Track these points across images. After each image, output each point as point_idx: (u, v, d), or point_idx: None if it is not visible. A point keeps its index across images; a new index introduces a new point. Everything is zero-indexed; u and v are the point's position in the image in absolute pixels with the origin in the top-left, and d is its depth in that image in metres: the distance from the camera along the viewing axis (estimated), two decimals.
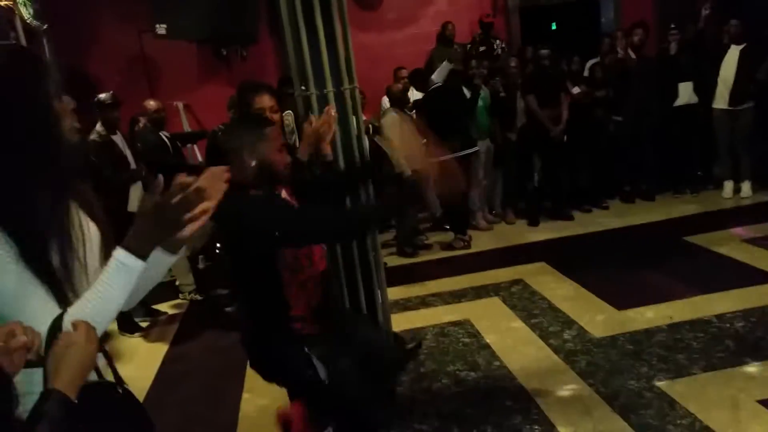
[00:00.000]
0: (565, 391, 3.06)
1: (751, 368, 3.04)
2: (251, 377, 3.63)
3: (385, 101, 5.83)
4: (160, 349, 4.30)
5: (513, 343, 3.66)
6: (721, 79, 5.78)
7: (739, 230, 5.04)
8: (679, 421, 2.69)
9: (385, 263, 3.99)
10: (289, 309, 2.12)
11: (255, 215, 1.97)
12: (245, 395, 3.46)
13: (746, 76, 5.63)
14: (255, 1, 6.15)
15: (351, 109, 2.80)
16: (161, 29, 5.88)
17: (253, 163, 2.05)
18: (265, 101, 2.57)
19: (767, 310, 3.60)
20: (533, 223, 6.01)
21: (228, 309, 4.78)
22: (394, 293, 4.47)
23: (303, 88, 2.74)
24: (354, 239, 2.38)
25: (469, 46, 6.72)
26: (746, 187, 5.99)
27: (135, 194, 4.62)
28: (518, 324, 3.90)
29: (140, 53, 6.74)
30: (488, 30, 6.96)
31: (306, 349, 2.11)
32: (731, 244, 4.76)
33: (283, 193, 2.24)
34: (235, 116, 4.00)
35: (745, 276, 4.14)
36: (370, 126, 5.28)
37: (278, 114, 2.64)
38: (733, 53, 5.70)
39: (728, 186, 6.09)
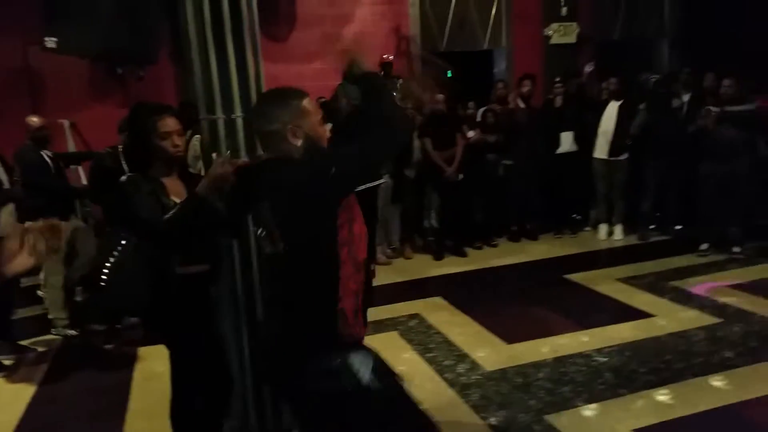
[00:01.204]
0: (460, 425, 3.13)
1: (626, 399, 3.28)
2: (133, 421, 3.40)
3: None
4: (27, 391, 3.88)
5: (409, 377, 3.66)
6: (602, 131, 6.32)
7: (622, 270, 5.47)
8: None
9: None
10: (337, 300, 1.78)
11: (311, 165, 1.75)
12: None
13: (624, 130, 6.20)
14: (155, 21, 5.95)
15: None
16: (51, 42, 5.49)
17: (299, 142, 1.84)
18: (170, 124, 2.41)
19: (640, 344, 3.93)
20: (438, 257, 6.20)
21: (108, 346, 4.45)
22: None
23: (209, 112, 2.69)
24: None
25: None
26: (618, 230, 6.55)
27: (6, 216, 4.26)
28: (415, 358, 3.96)
29: (25, 66, 6.27)
30: (388, 70, 7.19)
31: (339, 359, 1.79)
32: (606, 282, 5.16)
33: None
34: (127, 140, 3.71)
35: (619, 312, 4.50)
36: None
37: (183, 138, 2.52)
38: (613, 108, 6.27)
39: (603, 229, 6.63)
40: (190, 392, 2.53)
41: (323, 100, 6.36)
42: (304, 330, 1.82)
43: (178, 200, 2.40)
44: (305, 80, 6.97)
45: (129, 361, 4.17)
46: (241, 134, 2.70)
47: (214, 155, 2.70)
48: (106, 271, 2.41)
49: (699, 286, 4.93)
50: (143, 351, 4.23)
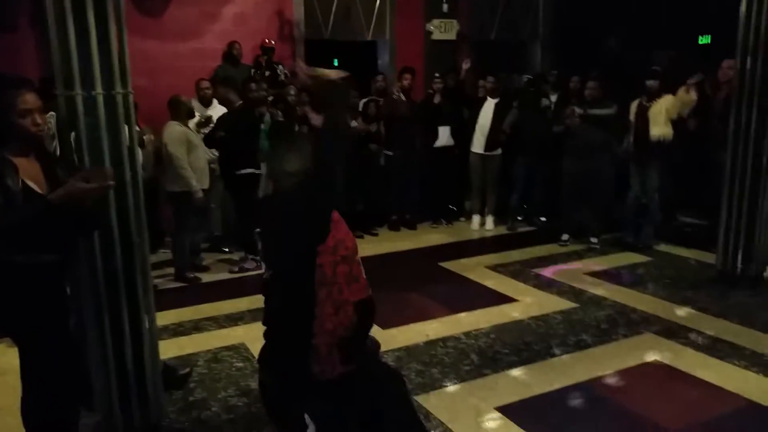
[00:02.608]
0: None
1: (490, 379, 3.49)
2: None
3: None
4: None
5: None
6: (479, 126, 6.60)
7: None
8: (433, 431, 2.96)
9: (156, 285, 3.75)
10: (311, 337, 1.86)
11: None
12: None
13: (499, 126, 6.53)
14: None
15: (123, 116, 2.60)
16: None
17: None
18: (30, 101, 2.21)
19: (504, 327, 4.19)
20: None
21: None
22: (166, 318, 4.21)
23: (67, 87, 2.49)
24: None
25: (253, 70, 6.73)
26: (490, 221, 6.92)
27: None
28: None
29: None
30: (269, 55, 7.06)
31: (301, 409, 1.89)
32: (477, 270, 5.45)
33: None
34: None
35: (487, 297, 4.78)
36: (144, 137, 4.95)
37: (44, 116, 2.32)
38: (489, 105, 6.57)
39: (476, 219, 6.98)
40: (41, 388, 2.37)
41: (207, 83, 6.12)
42: (280, 356, 1.96)
43: (30, 182, 2.22)
44: (181, 59, 6.69)
45: None
46: (101, 113, 2.53)
47: (72, 135, 2.52)
48: None
49: (551, 271, 5.36)
50: None
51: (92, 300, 2.65)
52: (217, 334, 4.16)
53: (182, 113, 5.12)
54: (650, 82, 5.72)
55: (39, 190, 2.24)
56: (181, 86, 5.84)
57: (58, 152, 2.49)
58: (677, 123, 5.67)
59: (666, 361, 3.68)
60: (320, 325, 1.87)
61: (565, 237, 6.21)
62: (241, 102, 5.54)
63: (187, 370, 3.57)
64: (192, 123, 5.24)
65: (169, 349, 3.75)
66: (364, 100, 6.76)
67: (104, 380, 2.74)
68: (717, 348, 3.83)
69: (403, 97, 6.65)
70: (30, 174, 2.24)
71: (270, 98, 6.05)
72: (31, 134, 2.24)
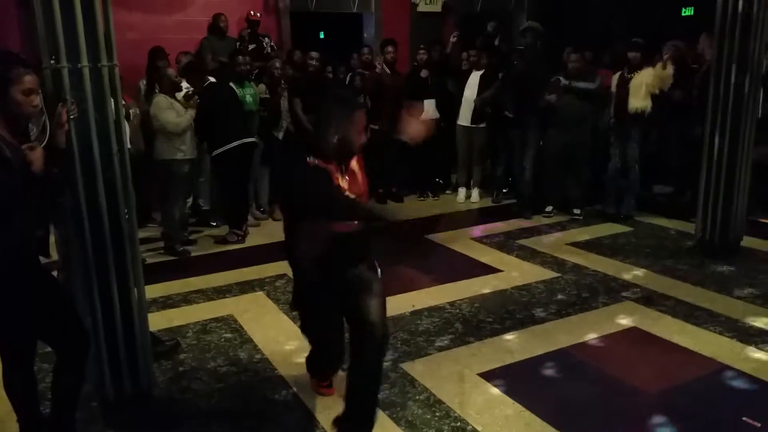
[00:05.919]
0: None
1: (473, 347, 3.59)
2: None
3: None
4: None
5: (275, 335, 3.76)
6: (465, 99, 6.64)
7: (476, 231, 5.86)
8: (417, 397, 3.06)
9: (144, 259, 3.78)
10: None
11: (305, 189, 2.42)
12: None
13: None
14: None
15: (109, 89, 2.61)
16: None
17: (335, 139, 2.40)
18: (33, 81, 2.23)
19: (488, 297, 4.29)
20: None
21: None
22: (154, 291, 4.26)
23: (53, 60, 2.49)
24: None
25: (238, 43, 6.67)
26: (475, 194, 7.00)
27: None
28: (280, 317, 4.02)
29: None
30: (254, 27, 7.00)
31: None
32: (462, 241, 5.54)
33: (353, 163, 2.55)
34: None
35: (471, 268, 4.87)
36: (130, 111, 4.92)
37: (39, 99, 2.33)
38: (475, 78, 6.59)
39: (462, 192, 7.05)
40: (13, 365, 2.42)
41: (189, 56, 6.08)
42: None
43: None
44: (165, 32, 6.62)
45: None
46: (88, 86, 2.53)
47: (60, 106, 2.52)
48: None
49: (534, 241, 5.46)
50: None
51: (82, 271, 2.68)
52: (206, 307, 4.22)
53: (167, 86, 5.10)
54: (632, 54, 5.77)
55: None
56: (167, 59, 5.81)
57: (48, 127, 2.48)
58: (660, 94, 5.73)
59: (644, 328, 3.80)
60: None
61: (549, 208, 6.30)
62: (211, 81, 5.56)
63: (174, 341, 3.62)
64: (179, 96, 5.22)
65: (158, 321, 3.80)
66: (350, 74, 6.74)
67: (95, 350, 2.78)
68: (694, 315, 3.95)
69: (387, 70, 6.65)
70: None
71: (255, 71, 6.03)
72: (27, 112, 2.28)
